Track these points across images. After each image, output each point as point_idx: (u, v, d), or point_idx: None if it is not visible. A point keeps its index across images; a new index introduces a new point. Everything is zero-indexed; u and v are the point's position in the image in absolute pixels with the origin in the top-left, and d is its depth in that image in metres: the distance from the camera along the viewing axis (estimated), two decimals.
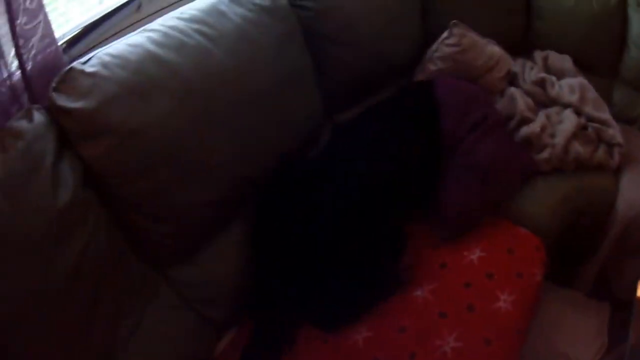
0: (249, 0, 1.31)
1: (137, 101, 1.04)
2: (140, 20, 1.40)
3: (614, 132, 1.82)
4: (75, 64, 1.03)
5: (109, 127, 1.01)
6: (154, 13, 1.42)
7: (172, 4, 1.46)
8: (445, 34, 1.80)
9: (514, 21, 2.08)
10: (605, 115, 1.88)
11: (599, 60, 2.10)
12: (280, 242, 1.24)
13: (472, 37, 1.84)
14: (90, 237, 1.00)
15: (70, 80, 1.00)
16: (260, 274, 1.25)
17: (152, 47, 1.09)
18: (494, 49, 1.89)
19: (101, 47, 1.11)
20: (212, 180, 1.16)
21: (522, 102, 1.81)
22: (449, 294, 1.29)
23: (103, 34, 1.33)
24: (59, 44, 1.15)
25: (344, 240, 1.26)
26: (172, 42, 1.12)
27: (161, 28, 1.15)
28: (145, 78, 1.06)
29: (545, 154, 1.70)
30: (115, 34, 1.34)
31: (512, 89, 1.87)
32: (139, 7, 1.42)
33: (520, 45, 2.11)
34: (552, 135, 1.74)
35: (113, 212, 1.08)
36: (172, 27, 1.15)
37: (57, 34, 1.15)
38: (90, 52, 1.09)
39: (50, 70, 1.05)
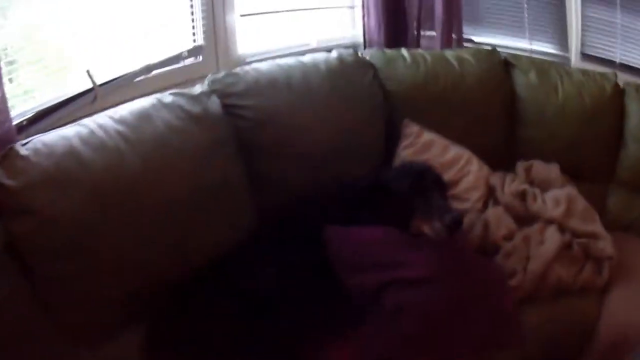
0: (180, 106, 1.41)
1: (55, 191, 1.16)
2: (93, 112, 1.47)
3: (604, 244, 1.69)
4: (16, 144, 1.18)
5: (31, 209, 1.13)
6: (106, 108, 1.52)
7: (124, 102, 1.54)
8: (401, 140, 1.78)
9: (493, 131, 2.00)
10: (594, 226, 1.76)
11: (591, 164, 2.01)
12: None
13: (430, 135, 1.81)
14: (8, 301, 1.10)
15: (8, 157, 1.16)
16: None
17: (76, 142, 1.23)
18: (462, 150, 1.84)
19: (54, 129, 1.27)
20: (121, 277, 1.24)
21: (495, 228, 1.68)
22: None
23: (60, 118, 1.47)
24: (21, 120, 1.35)
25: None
26: (95, 140, 1.25)
27: (91, 125, 1.29)
28: (63, 171, 1.19)
29: (513, 282, 1.56)
30: (71, 121, 1.40)
31: (488, 213, 1.74)
32: (94, 99, 1.55)
33: (503, 157, 2.01)
34: (527, 258, 1.60)
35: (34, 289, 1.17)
36: (100, 126, 1.29)
37: (22, 108, 1.38)
38: (44, 133, 1.25)
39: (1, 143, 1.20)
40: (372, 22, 2.15)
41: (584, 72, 2.01)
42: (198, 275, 1.36)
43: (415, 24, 2.21)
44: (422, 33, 2.24)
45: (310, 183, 1.60)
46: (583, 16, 2.18)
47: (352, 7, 2.29)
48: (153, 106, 1.38)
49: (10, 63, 1.37)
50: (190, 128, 1.39)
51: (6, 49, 1.36)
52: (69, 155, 1.20)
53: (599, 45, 2.22)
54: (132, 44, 1.71)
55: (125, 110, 1.35)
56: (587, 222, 1.76)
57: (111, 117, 1.32)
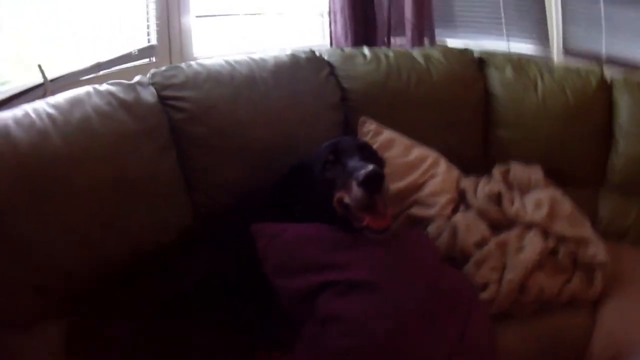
0: (112, 93, 1.40)
1: None
2: None
3: (596, 249, 1.55)
4: None
5: None
6: None
7: None
8: None
9: (466, 131, 1.87)
10: (583, 231, 1.62)
11: (578, 166, 1.88)
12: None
13: (391, 134, 1.69)
14: None
15: None
16: None
17: (10, 122, 1.25)
18: (427, 150, 1.72)
19: None
20: (36, 264, 1.21)
21: (465, 234, 1.53)
22: None
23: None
24: None
25: None
26: (26, 121, 1.26)
27: (28, 108, 1.30)
28: None
29: (485, 295, 1.41)
30: None
31: (457, 218, 1.60)
32: (44, 94, 1.54)
33: (478, 160, 1.88)
34: (503, 267, 1.46)
35: None
36: (34, 109, 1.30)
37: None
38: None
39: None
40: (339, 29, 2.10)
41: (567, 67, 1.93)
42: (123, 278, 1.28)
43: (385, 30, 2.15)
44: (392, 40, 2.17)
45: (254, 180, 1.52)
46: (563, 9, 2.11)
47: (322, 15, 2.25)
48: (87, 93, 1.39)
49: None
50: (119, 115, 1.37)
51: None
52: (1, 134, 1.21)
53: (582, 40, 2.14)
54: (86, 42, 1.73)
55: (63, 96, 1.36)
56: (575, 226, 1.60)
57: (47, 102, 1.34)
